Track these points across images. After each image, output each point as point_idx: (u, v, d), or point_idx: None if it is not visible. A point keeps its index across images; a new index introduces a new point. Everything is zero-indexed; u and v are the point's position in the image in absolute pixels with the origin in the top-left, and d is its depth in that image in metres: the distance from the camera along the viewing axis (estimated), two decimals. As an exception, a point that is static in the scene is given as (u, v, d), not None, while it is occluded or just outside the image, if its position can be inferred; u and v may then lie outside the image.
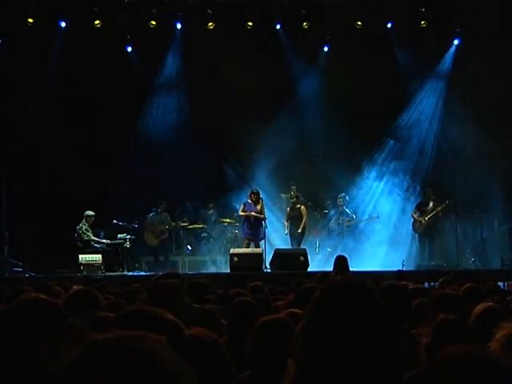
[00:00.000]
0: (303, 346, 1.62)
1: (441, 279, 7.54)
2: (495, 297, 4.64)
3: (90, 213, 14.27)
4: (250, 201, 14.31)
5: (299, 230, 14.67)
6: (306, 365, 1.60)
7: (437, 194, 15.23)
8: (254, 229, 14.21)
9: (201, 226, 15.40)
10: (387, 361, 1.57)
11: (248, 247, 14.14)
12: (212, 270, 14.21)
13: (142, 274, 13.94)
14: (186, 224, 15.28)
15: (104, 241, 14.46)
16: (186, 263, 15.01)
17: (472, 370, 1.35)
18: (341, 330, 1.58)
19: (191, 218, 15.45)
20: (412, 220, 15.02)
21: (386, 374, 1.55)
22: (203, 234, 15.33)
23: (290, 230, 14.79)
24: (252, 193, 14.34)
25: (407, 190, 15.83)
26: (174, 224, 14.95)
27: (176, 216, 15.19)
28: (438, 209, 14.65)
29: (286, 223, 14.95)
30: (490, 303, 3.49)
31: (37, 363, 2.07)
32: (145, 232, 14.88)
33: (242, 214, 14.34)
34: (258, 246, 14.08)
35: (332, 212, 15.63)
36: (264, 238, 14.18)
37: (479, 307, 3.37)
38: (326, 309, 1.62)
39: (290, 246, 14.60)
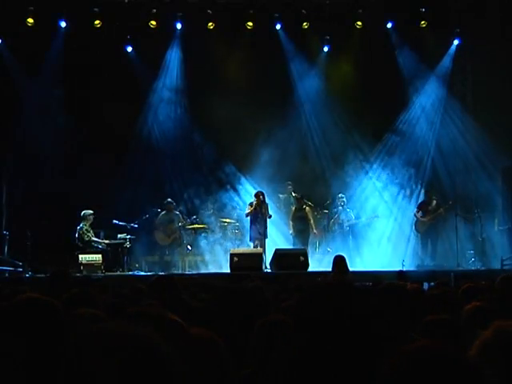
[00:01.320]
0: (294, 345, 1.64)
1: (437, 281, 7.55)
2: (490, 296, 4.63)
3: (89, 212, 14.24)
4: (256, 202, 14.28)
5: (314, 231, 14.92)
6: (299, 361, 1.61)
7: (437, 194, 15.24)
8: (263, 229, 14.24)
9: (201, 225, 15.40)
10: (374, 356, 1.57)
11: (257, 248, 14.17)
12: (212, 269, 14.21)
13: (142, 273, 13.95)
14: (188, 224, 15.30)
15: (104, 241, 14.46)
16: (185, 263, 15.01)
17: (420, 363, 1.31)
18: (327, 329, 1.59)
19: (189, 209, 15.44)
20: (414, 220, 14.99)
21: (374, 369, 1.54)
22: (203, 234, 15.33)
23: (296, 231, 14.85)
24: (257, 194, 14.32)
25: (408, 190, 15.83)
26: (184, 223, 14.97)
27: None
28: (441, 209, 14.63)
29: (291, 223, 15.00)
30: (478, 303, 3.48)
31: (33, 363, 2.07)
32: (155, 231, 14.88)
33: (248, 212, 14.26)
34: (262, 246, 14.10)
35: (333, 212, 15.64)
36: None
37: (468, 307, 3.38)
38: (310, 310, 1.64)
39: (290, 246, 14.59)
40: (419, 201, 15.41)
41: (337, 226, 15.46)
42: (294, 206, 15.16)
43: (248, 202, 14.63)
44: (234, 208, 15.50)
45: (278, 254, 13.23)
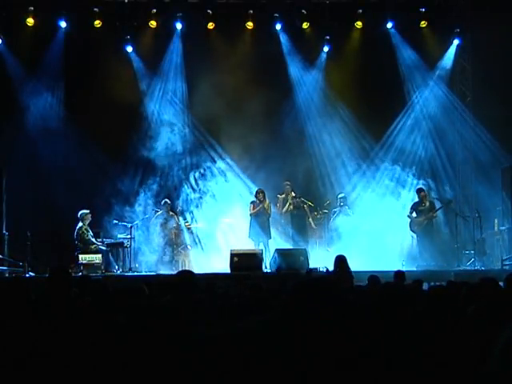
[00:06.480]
0: None
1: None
2: (492, 296, 4.63)
3: (86, 212, 14.17)
4: (257, 200, 14.37)
5: (313, 226, 15.11)
6: None
7: (437, 194, 15.24)
8: (265, 228, 14.26)
9: (201, 225, 15.40)
10: None
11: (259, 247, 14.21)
12: (212, 269, 14.19)
13: (142, 273, 13.94)
14: (187, 224, 15.30)
15: (104, 241, 14.45)
16: (185, 263, 15.00)
17: None
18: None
19: (189, 208, 15.45)
20: (409, 220, 14.94)
21: None
22: (203, 234, 15.32)
23: (295, 229, 14.90)
24: (258, 192, 14.43)
25: (408, 190, 15.82)
26: (179, 223, 14.98)
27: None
28: (435, 213, 14.62)
29: (289, 218, 15.07)
30: (484, 302, 3.49)
31: None
32: (150, 231, 14.89)
33: (253, 211, 14.37)
34: (265, 245, 14.16)
35: (333, 212, 15.62)
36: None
37: (473, 307, 3.38)
38: None
39: (289, 246, 14.60)
40: (414, 201, 15.34)
41: (337, 225, 15.43)
42: (293, 205, 15.19)
43: (250, 201, 14.65)
44: (232, 207, 15.47)
45: (278, 254, 13.24)
